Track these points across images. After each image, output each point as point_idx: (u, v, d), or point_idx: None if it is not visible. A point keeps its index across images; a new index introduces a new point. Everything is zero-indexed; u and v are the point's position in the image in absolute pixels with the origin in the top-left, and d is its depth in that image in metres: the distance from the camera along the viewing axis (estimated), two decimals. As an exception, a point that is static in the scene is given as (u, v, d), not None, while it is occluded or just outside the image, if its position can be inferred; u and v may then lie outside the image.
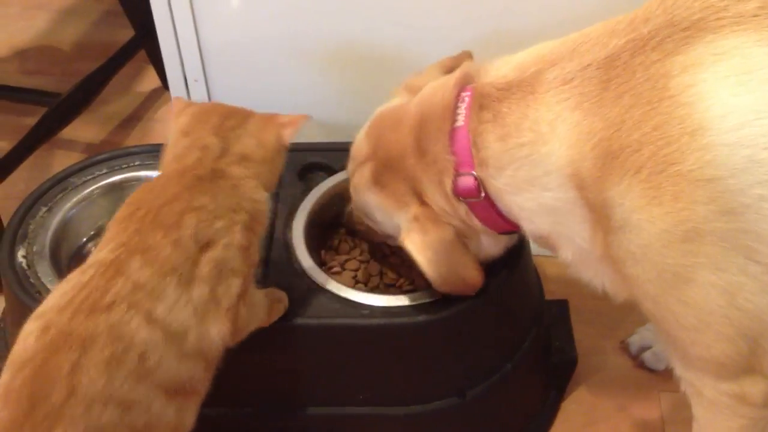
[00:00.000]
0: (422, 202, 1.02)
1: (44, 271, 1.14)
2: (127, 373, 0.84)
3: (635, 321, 1.39)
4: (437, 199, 1.01)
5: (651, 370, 1.34)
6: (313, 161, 1.28)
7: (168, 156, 0.99)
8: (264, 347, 1.08)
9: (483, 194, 0.97)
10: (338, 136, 1.24)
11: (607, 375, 1.35)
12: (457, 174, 0.97)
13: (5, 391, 0.82)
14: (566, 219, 0.93)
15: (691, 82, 0.81)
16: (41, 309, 0.87)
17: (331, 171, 1.27)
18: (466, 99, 0.97)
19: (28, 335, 0.85)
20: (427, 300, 1.10)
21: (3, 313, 1.33)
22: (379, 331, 1.09)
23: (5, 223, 1.24)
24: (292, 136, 1.02)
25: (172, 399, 0.88)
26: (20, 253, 1.16)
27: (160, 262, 0.88)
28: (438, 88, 1.01)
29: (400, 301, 1.10)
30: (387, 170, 1.04)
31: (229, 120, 1.00)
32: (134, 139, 1.86)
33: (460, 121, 0.97)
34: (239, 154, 0.98)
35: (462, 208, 1.00)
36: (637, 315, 1.35)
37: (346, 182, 1.17)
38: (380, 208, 1.07)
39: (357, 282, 1.18)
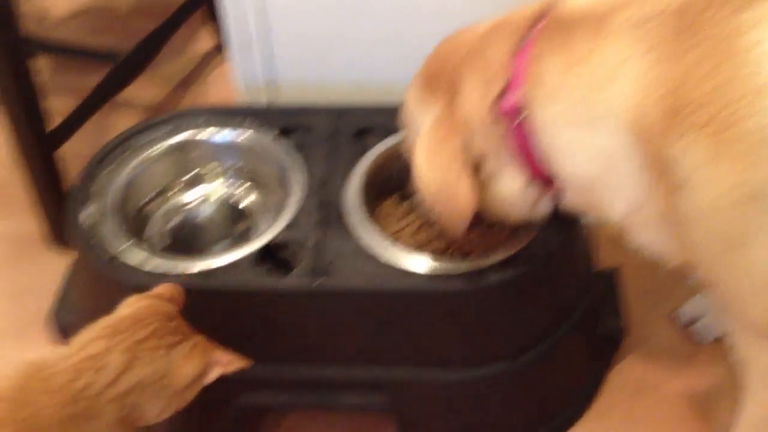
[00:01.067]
0: (451, 104, 0.98)
1: (109, 229, 1.17)
2: None
3: (685, 292, 1.38)
4: (472, 106, 0.96)
5: (699, 342, 1.34)
6: (368, 123, 1.29)
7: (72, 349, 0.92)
8: (318, 313, 1.12)
9: (524, 117, 0.93)
10: (395, 97, 1.25)
11: (654, 346, 1.35)
12: (507, 89, 0.94)
13: None
14: (619, 170, 0.90)
15: (760, 39, 0.80)
16: None
17: (386, 133, 1.27)
18: (542, 22, 0.94)
19: None
20: (482, 265, 1.10)
21: (70, 269, 1.38)
22: (433, 296, 1.10)
23: (72, 182, 1.27)
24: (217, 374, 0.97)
25: None
26: (86, 212, 1.19)
27: None
28: (518, 8, 0.98)
29: (454, 266, 1.11)
30: (435, 73, 1.01)
31: (160, 339, 0.93)
32: (189, 100, 1.89)
33: (528, 40, 0.94)
34: (135, 384, 0.91)
35: (496, 129, 0.96)
36: (688, 287, 1.36)
37: (401, 145, 1.18)
38: (411, 109, 1.03)
39: (416, 247, 1.18)
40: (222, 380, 1.17)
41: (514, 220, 1.06)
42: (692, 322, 1.35)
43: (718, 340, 1.30)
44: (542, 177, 0.98)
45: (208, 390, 1.13)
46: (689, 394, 1.29)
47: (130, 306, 0.95)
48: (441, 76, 1.00)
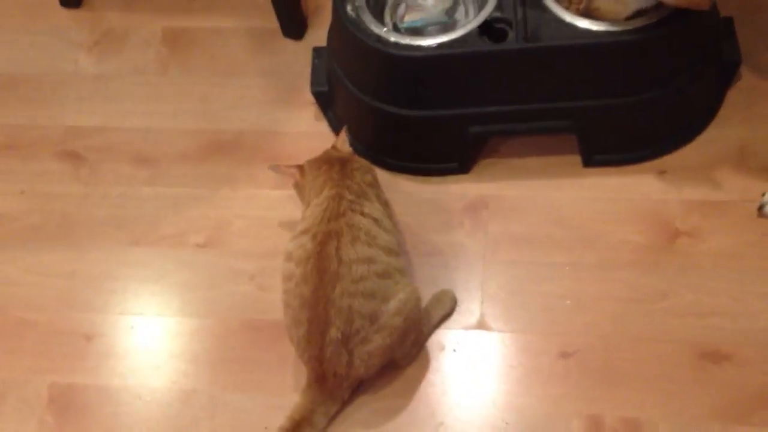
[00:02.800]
0: None
1: (368, 19, 1.63)
2: (363, 243, 1.41)
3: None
4: None
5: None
6: None
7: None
8: (527, 66, 1.57)
9: None
10: None
11: (762, 71, 1.76)
12: None
13: (302, 276, 1.41)
14: None
15: None
16: (302, 228, 1.45)
17: None
18: None
19: (303, 243, 1.42)
20: (639, 24, 1.54)
21: (319, 53, 1.84)
22: (611, 46, 1.55)
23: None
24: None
25: (389, 255, 1.46)
26: (349, 8, 1.64)
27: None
28: None
29: (623, 27, 1.53)
30: None
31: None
32: None
33: None
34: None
35: None
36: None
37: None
38: None
39: (580, 14, 1.57)
40: (458, 116, 1.65)
41: None
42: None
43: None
44: None
45: (447, 124, 1.62)
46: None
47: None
48: None
